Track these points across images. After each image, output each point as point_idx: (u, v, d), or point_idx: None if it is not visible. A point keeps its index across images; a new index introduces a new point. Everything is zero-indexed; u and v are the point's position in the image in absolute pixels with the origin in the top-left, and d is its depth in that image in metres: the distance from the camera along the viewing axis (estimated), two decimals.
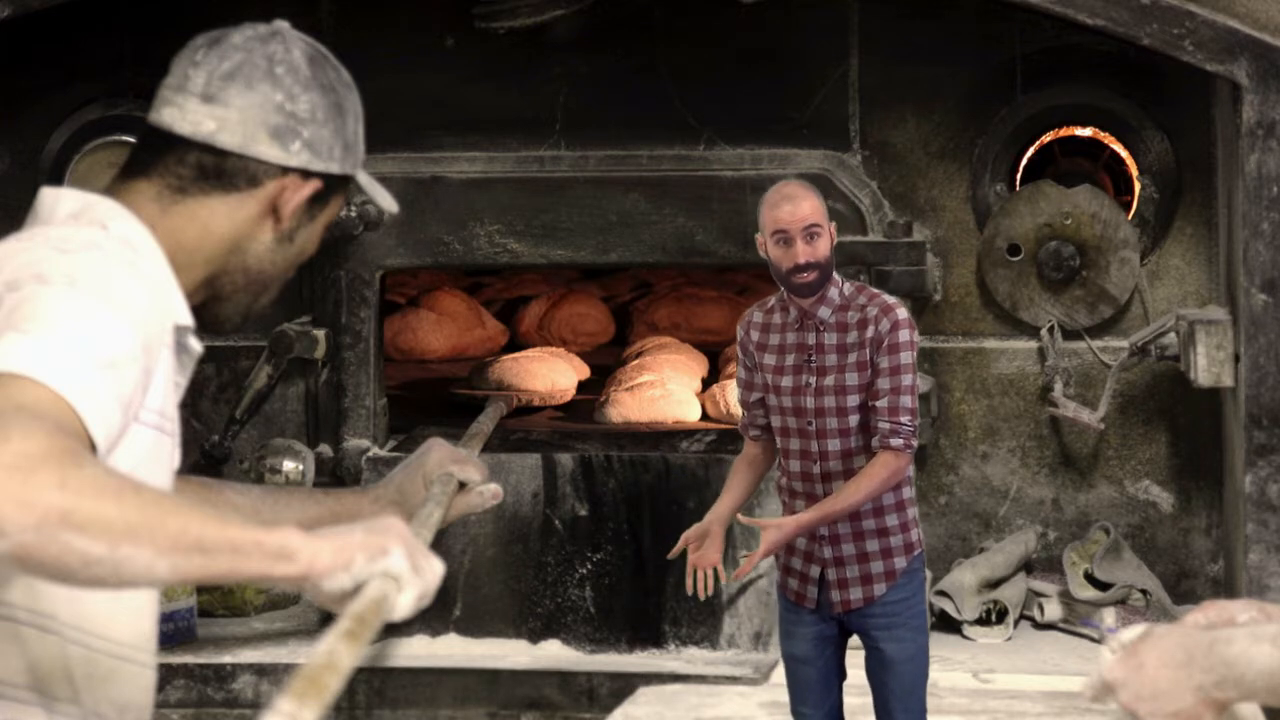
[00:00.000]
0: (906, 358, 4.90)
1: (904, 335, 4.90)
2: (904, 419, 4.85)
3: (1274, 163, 6.47)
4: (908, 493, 5.03)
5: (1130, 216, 7.32)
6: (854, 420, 4.96)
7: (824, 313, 4.98)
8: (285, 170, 2.41)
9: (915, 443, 4.91)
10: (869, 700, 5.13)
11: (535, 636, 6.91)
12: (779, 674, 5.70)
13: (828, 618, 5.05)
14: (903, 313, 4.95)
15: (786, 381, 5.02)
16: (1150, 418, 7.31)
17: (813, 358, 4.99)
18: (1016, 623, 7.04)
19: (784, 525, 4.89)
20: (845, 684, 5.17)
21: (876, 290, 5.10)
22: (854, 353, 4.95)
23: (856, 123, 7.34)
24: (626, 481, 6.93)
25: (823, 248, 4.91)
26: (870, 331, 4.93)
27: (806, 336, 5.01)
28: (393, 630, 6.38)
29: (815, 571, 5.01)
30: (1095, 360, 7.29)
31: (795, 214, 4.89)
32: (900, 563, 5.01)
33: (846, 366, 4.96)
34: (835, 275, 5.00)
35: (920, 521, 5.08)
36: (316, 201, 2.46)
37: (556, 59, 7.36)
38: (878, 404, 4.87)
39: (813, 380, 4.98)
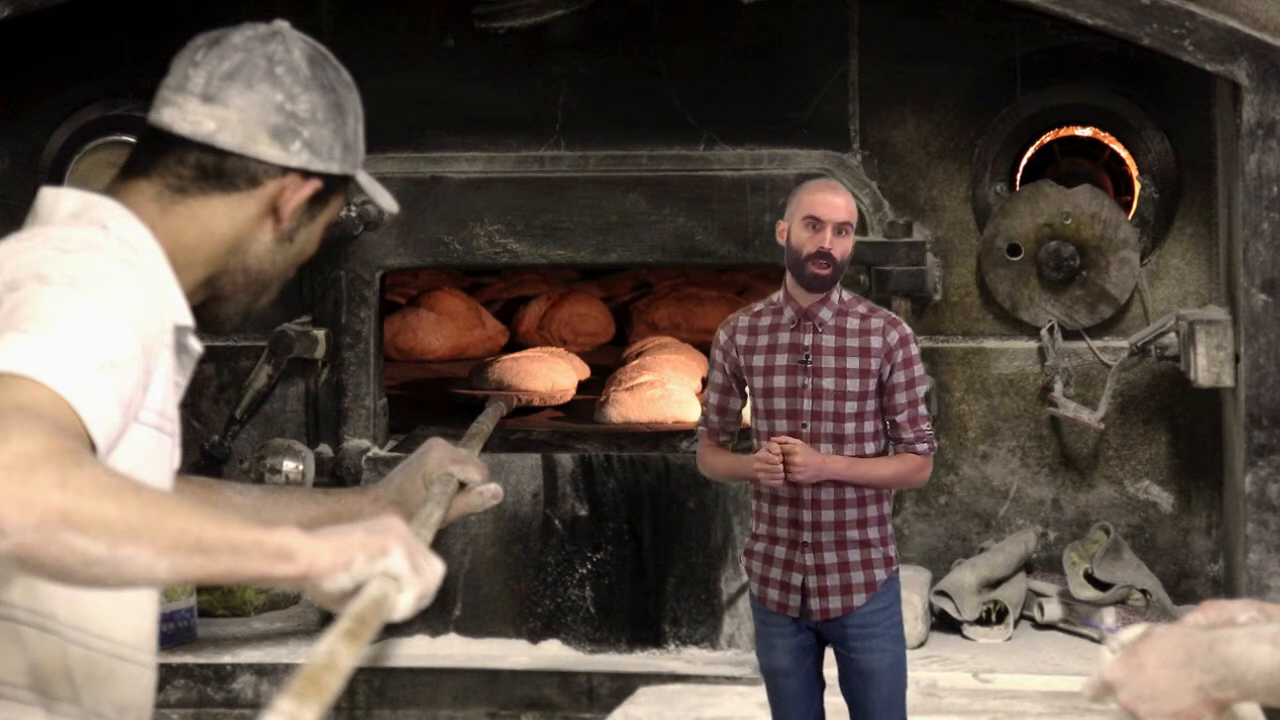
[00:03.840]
0: (919, 370, 5.05)
1: (914, 349, 5.03)
2: (924, 426, 5.03)
3: (1274, 163, 6.47)
4: (889, 508, 5.09)
5: (1130, 216, 7.32)
6: (849, 427, 4.96)
7: (825, 314, 4.99)
8: (285, 170, 2.41)
9: (935, 444, 5.10)
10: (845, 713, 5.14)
11: (535, 636, 6.91)
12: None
13: (805, 628, 5.03)
14: (907, 326, 5.08)
15: (780, 382, 5.00)
16: (1150, 418, 7.31)
17: (809, 358, 4.98)
18: (1016, 623, 7.03)
19: (819, 458, 4.86)
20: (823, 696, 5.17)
21: (871, 302, 5.20)
22: (853, 358, 4.97)
23: (856, 123, 7.34)
24: (626, 481, 6.92)
25: (846, 247, 4.98)
26: (877, 342, 4.98)
27: (803, 337, 5.01)
28: (393, 630, 6.38)
29: (797, 580, 4.99)
30: (1095, 360, 7.29)
31: (834, 205, 4.96)
32: (880, 574, 5.01)
33: (847, 371, 4.96)
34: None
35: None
36: (316, 201, 2.46)
37: (556, 59, 7.36)
38: (898, 418, 5.00)
39: (809, 382, 4.98)
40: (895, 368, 4.99)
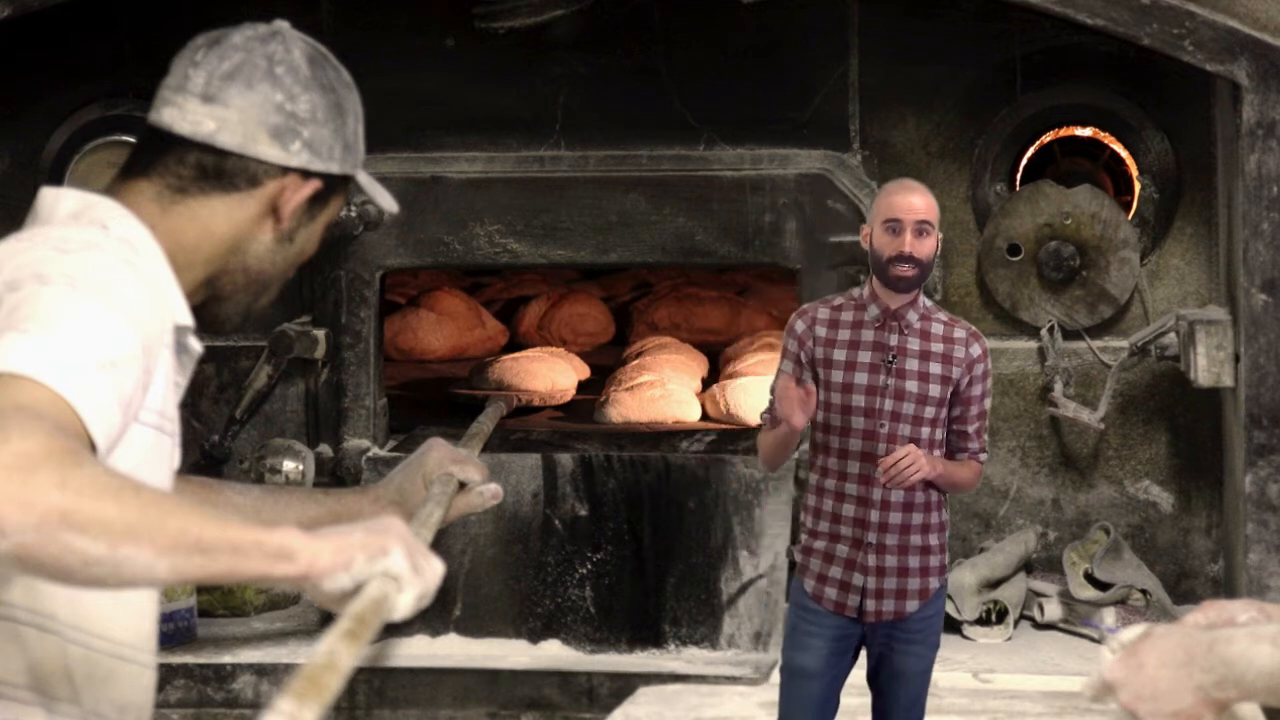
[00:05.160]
0: (990, 383, 5.13)
1: (989, 363, 5.11)
2: (985, 436, 5.12)
3: (1274, 163, 6.47)
4: (947, 515, 5.10)
5: (1130, 216, 7.32)
6: (925, 431, 4.97)
7: (912, 316, 4.99)
8: (285, 170, 2.41)
9: None
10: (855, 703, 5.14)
11: (535, 636, 6.91)
12: (779, 674, 5.70)
13: (852, 631, 5.02)
14: (984, 340, 5.13)
15: (861, 379, 4.98)
16: (1150, 418, 7.31)
17: (894, 359, 4.97)
18: (1016, 623, 7.04)
19: (928, 458, 4.89)
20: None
21: (948, 311, 5.21)
22: (936, 364, 4.98)
23: (856, 123, 7.34)
24: (626, 481, 6.92)
25: (929, 247, 4.95)
26: (959, 353, 5.01)
27: (888, 337, 4.99)
28: (393, 630, 6.38)
29: (859, 580, 4.98)
30: (1095, 360, 7.29)
31: (911, 205, 4.95)
32: (934, 583, 5.02)
33: (929, 376, 4.97)
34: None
35: None
36: (316, 201, 2.46)
37: (556, 59, 7.36)
38: (969, 428, 5.06)
39: (891, 382, 4.96)
40: (974, 380, 5.03)
